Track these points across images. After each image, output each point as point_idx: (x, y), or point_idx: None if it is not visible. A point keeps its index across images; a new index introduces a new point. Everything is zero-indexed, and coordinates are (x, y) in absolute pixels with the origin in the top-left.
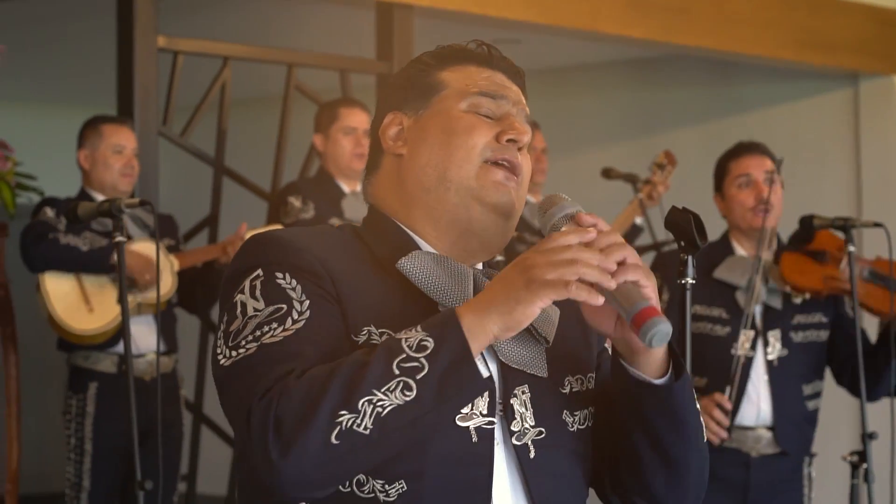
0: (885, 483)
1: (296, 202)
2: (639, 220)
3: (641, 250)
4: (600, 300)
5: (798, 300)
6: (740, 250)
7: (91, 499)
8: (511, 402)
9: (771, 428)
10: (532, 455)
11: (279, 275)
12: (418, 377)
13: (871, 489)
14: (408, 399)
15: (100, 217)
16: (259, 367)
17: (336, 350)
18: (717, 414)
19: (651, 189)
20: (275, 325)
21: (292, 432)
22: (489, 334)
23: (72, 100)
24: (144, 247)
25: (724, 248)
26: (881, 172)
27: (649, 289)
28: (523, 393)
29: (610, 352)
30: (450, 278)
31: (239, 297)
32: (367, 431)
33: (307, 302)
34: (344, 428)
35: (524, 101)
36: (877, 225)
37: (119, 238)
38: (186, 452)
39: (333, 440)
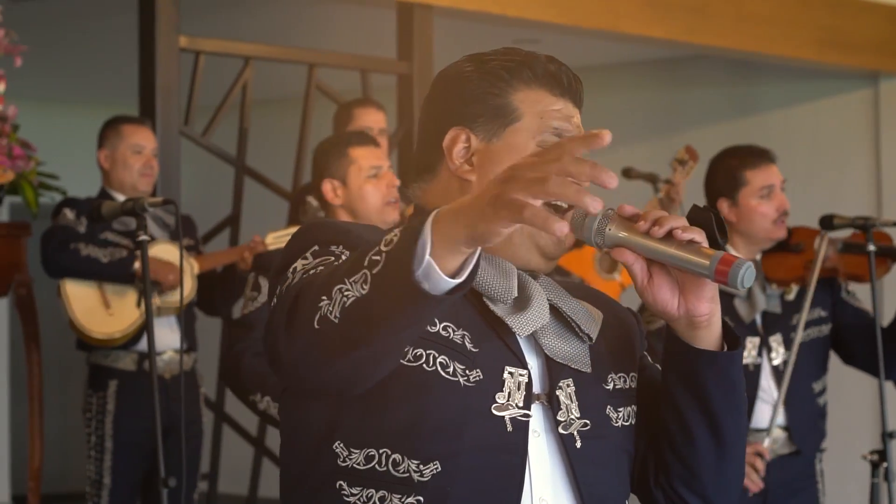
0: None
1: (314, 202)
2: None
3: None
4: (562, 229)
5: (791, 296)
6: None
7: (112, 496)
8: (556, 393)
9: (785, 428)
10: (578, 445)
11: (333, 247)
12: (374, 271)
13: (891, 488)
14: (363, 293)
15: (123, 216)
16: (302, 283)
17: None
18: (759, 463)
19: (670, 188)
20: (320, 268)
21: (293, 320)
22: (455, 241)
23: (94, 99)
24: (164, 249)
25: None
26: None
27: (705, 243)
28: (568, 386)
29: (649, 359)
30: (495, 270)
31: (291, 267)
32: (336, 320)
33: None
34: (322, 314)
35: (581, 125)
36: None
37: (143, 237)
38: (207, 451)
39: (316, 325)
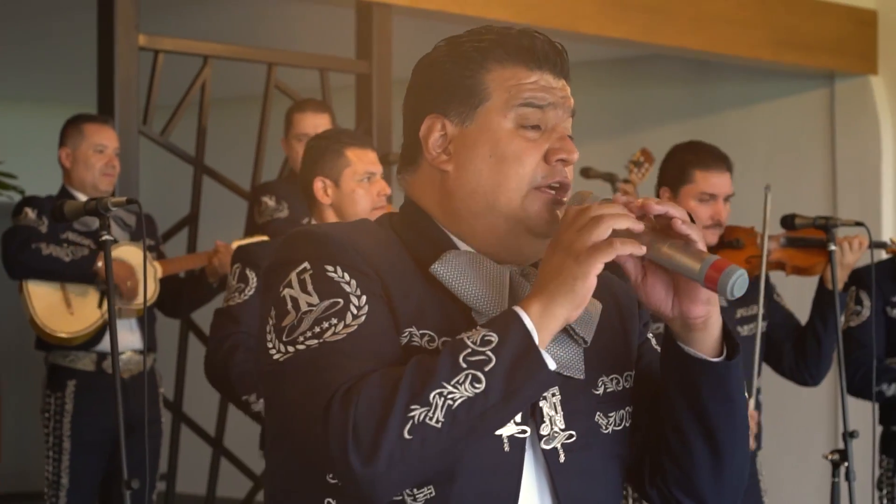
0: (867, 482)
1: (270, 202)
2: None
3: None
4: (643, 249)
5: None
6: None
7: (69, 496)
8: (540, 404)
9: None
10: (562, 459)
11: (329, 268)
12: (486, 369)
13: (852, 488)
14: (477, 391)
15: (86, 216)
16: (328, 364)
17: (394, 348)
18: (753, 425)
19: (627, 188)
20: (334, 320)
21: (370, 437)
22: (559, 319)
23: (53, 98)
24: (127, 251)
25: None
26: (856, 171)
27: (701, 244)
28: (553, 395)
29: (654, 342)
30: (484, 283)
31: (287, 292)
32: (439, 424)
33: (364, 297)
34: (417, 422)
35: (569, 93)
36: (858, 224)
37: (106, 237)
38: (166, 451)
39: (406, 435)
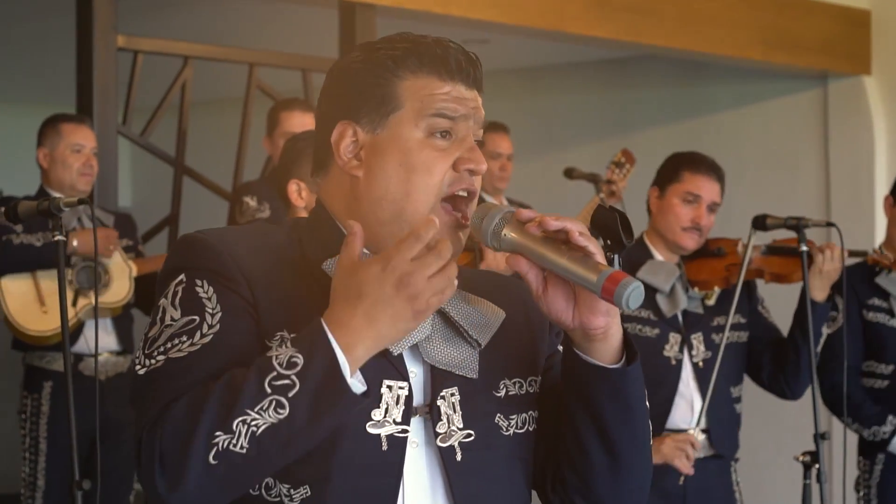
0: (838, 483)
1: (251, 202)
2: None
3: None
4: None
5: (711, 301)
6: (658, 255)
7: (46, 498)
8: (438, 403)
9: (705, 430)
10: (459, 457)
11: (198, 282)
12: (290, 395)
13: (823, 489)
14: (281, 417)
15: (39, 216)
16: (157, 386)
17: (241, 363)
18: (690, 450)
19: (612, 186)
20: (184, 338)
21: (174, 463)
22: (370, 354)
23: (32, 99)
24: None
25: (641, 251)
26: (849, 172)
27: (599, 256)
28: (452, 395)
29: (562, 351)
30: None
31: (162, 302)
32: (244, 451)
33: (219, 314)
34: (220, 448)
35: (480, 105)
36: (829, 224)
37: (59, 237)
38: None
39: (211, 460)
